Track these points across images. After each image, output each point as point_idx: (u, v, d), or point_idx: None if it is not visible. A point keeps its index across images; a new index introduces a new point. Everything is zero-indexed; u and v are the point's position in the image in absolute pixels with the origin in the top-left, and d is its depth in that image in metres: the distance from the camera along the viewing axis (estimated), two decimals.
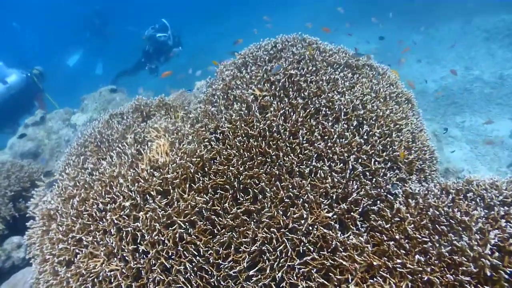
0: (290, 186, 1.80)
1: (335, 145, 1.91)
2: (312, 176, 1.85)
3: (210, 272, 1.68)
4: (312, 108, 2.14)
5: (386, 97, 2.48)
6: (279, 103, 2.15)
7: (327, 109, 2.16)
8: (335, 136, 1.95)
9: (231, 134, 2.04)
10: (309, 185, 1.78)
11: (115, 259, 1.77)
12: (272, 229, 1.71)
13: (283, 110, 2.09)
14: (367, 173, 1.88)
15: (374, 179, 1.87)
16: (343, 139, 1.93)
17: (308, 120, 2.06)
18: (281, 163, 1.88)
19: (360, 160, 1.90)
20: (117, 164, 2.00)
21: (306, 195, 1.74)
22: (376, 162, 1.92)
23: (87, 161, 2.25)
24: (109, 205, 1.86)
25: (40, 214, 2.03)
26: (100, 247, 1.79)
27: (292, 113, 2.07)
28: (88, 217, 1.87)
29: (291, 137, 2.00)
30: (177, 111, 3.09)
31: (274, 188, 1.82)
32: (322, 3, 18.74)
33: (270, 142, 1.96)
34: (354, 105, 2.17)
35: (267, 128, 1.99)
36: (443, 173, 5.46)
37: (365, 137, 1.99)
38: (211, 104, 2.52)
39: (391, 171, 2.00)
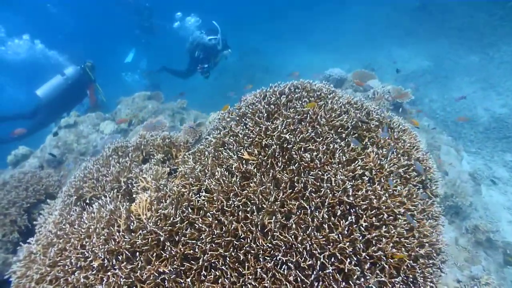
0: (251, 277, 1.72)
1: (309, 238, 1.78)
2: (277, 268, 1.74)
3: None
4: (298, 186, 2.01)
5: (390, 174, 2.25)
6: (262, 176, 2.05)
7: (314, 188, 2.01)
8: (311, 227, 1.81)
9: (206, 204, 2.00)
10: (269, 280, 1.68)
11: None
12: None
13: (264, 186, 1.99)
14: (339, 274, 1.72)
15: (344, 282, 1.70)
16: (319, 233, 1.79)
17: (288, 201, 1.94)
18: (247, 248, 1.79)
19: (333, 259, 1.75)
20: (96, 218, 2.07)
21: None
22: (353, 262, 1.75)
23: (75, 206, 2.36)
24: (80, 261, 1.93)
25: (25, 250, 2.18)
26: None
27: (272, 192, 1.97)
28: (62, 268, 1.96)
29: (266, 219, 1.90)
30: (180, 150, 3.11)
31: (236, 273, 1.75)
32: (378, 10, 17.77)
33: (242, 222, 1.89)
34: (345, 189, 2.00)
35: (241, 207, 1.91)
36: (471, 230, 4.91)
37: (346, 232, 1.82)
38: (203, 155, 2.49)
39: (372, 268, 1.81)
